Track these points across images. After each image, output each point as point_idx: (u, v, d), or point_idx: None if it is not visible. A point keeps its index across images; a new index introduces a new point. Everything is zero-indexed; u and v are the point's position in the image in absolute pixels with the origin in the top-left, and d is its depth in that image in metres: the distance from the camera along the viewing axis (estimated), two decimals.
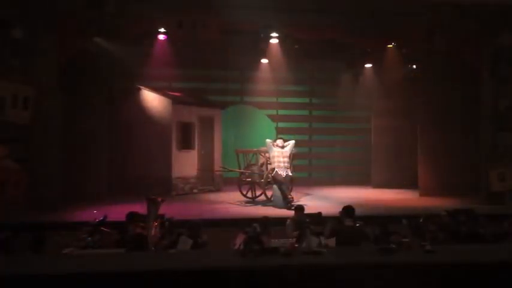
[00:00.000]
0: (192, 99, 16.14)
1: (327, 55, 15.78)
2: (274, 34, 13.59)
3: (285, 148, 12.56)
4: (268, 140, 12.80)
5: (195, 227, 7.04)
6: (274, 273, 5.17)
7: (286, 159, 12.51)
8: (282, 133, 16.24)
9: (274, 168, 12.42)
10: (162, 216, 7.97)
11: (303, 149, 17.91)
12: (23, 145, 11.25)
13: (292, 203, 11.93)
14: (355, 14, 12.61)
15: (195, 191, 15.37)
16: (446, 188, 14.03)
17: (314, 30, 13.15)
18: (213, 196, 14.76)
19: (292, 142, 12.77)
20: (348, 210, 7.26)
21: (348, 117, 18.73)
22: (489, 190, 12.94)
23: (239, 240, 6.28)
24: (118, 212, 8.73)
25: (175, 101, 15.10)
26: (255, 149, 14.07)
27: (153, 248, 6.85)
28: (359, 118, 18.53)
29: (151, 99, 15.12)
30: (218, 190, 15.88)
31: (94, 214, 7.68)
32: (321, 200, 13.57)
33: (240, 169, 14.00)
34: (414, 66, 15.69)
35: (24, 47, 11.44)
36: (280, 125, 18.57)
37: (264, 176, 13.00)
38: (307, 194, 14.69)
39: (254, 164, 13.90)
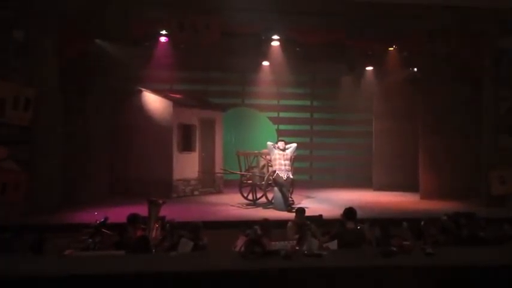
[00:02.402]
0: (193, 102, 16.11)
1: (328, 58, 15.72)
2: (275, 37, 13.59)
3: (286, 150, 12.55)
4: (269, 143, 12.78)
5: (196, 229, 7.05)
6: (274, 275, 5.17)
7: (288, 162, 12.49)
8: (283, 135, 16.20)
9: (275, 171, 12.41)
10: (162, 218, 7.99)
11: (304, 152, 17.86)
12: (23, 146, 11.23)
13: (293, 206, 11.92)
14: (355, 17, 12.61)
15: (195, 193, 15.34)
16: (447, 191, 14.02)
17: (315, 32, 13.12)
18: (213, 198, 14.73)
19: (294, 145, 12.76)
20: (349, 212, 7.27)
21: (349, 120, 18.74)
22: (490, 193, 12.93)
23: (240, 243, 6.29)
24: (119, 214, 8.72)
25: (176, 103, 15.07)
26: (256, 151, 14.02)
27: (153, 250, 6.86)
28: (360, 121, 18.55)
29: (153, 101, 15.12)
30: (219, 192, 15.85)
31: (95, 216, 7.68)
32: (322, 203, 13.53)
33: (241, 171, 13.97)
34: (415, 69, 15.66)
35: (25, 48, 11.43)
36: (281, 127, 18.56)
37: (265, 178, 12.99)
38: (308, 197, 14.67)
39: (255, 166, 13.88)
